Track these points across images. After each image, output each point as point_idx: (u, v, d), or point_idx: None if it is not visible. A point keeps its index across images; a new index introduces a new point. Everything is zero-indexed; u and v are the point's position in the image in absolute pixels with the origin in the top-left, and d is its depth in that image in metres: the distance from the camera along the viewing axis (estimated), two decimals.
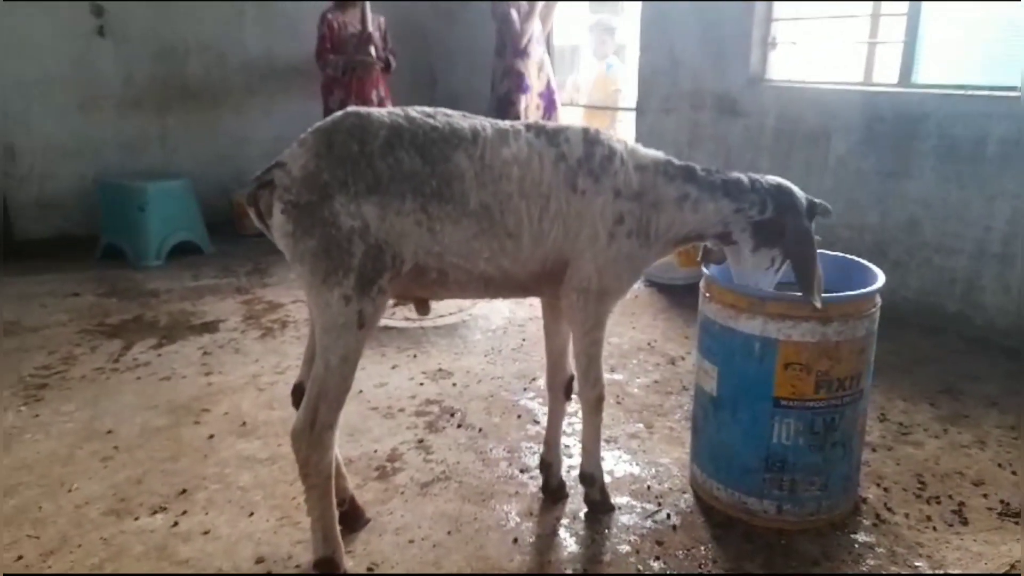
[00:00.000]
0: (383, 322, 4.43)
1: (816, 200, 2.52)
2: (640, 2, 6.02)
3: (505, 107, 5.73)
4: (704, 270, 2.70)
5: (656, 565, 2.47)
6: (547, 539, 2.61)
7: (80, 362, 4.16)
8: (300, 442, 2.20)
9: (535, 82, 5.80)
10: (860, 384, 2.53)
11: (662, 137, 5.87)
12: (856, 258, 2.78)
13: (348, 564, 2.45)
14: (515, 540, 2.59)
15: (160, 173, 6.22)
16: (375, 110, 2.23)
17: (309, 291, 2.17)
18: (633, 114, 6.25)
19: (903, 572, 2.40)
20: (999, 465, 3.03)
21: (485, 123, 2.32)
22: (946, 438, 3.26)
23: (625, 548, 2.55)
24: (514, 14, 5.64)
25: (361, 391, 3.76)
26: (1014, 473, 2.97)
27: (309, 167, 2.10)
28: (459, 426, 3.41)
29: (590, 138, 2.40)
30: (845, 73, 5.20)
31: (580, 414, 2.75)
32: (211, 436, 3.32)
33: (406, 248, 2.17)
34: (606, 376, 3.88)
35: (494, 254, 2.29)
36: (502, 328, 4.61)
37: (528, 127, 2.37)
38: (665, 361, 4.12)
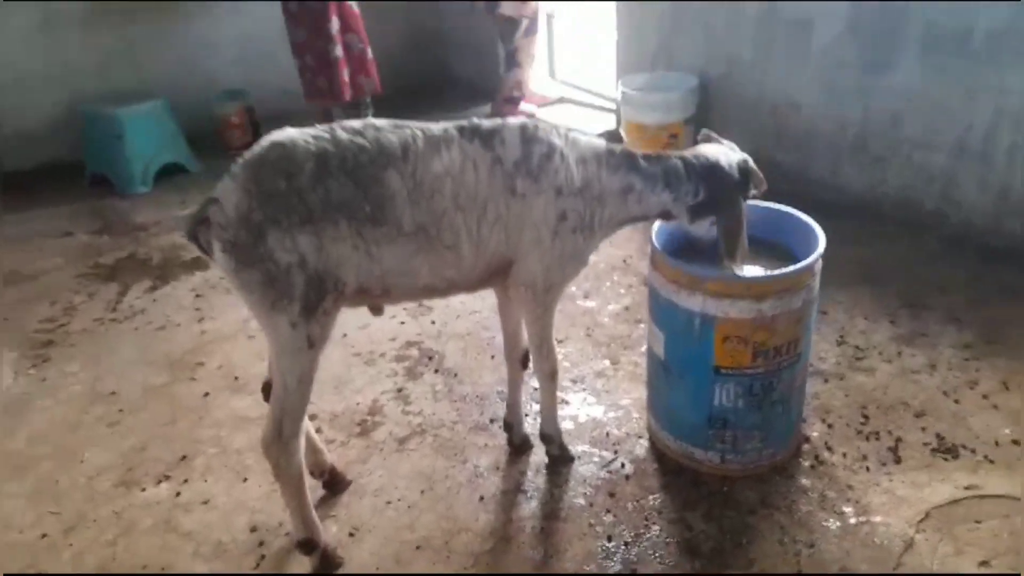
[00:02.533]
0: None
1: (748, 168, 2.53)
2: None
3: None
4: (652, 238, 2.74)
5: (608, 518, 2.72)
6: (510, 496, 2.86)
7: (80, 312, 4.37)
8: (270, 451, 2.39)
9: None
10: (798, 348, 2.64)
11: (643, 25, 5.61)
12: (799, 213, 2.77)
13: (332, 529, 2.74)
14: (481, 498, 2.85)
15: (134, 95, 6.08)
16: (300, 137, 2.19)
17: (258, 316, 2.28)
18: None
19: (829, 519, 2.63)
20: (944, 393, 3.17)
21: (417, 132, 2.29)
22: (899, 362, 3.39)
23: (580, 501, 2.80)
24: None
25: (345, 335, 3.94)
26: (956, 402, 3.12)
27: (242, 208, 2.12)
28: (436, 371, 3.61)
29: (527, 137, 2.37)
30: None
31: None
32: (206, 394, 3.57)
33: (346, 272, 2.24)
34: (579, 303, 4.09)
35: (434, 268, 2.36)
36: None
37: (462, 131, 2.34)
38: (638, 281, 4.23)
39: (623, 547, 2.60)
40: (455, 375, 3.57)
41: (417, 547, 2.66)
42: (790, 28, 4.75)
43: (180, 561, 2.68)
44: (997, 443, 2.89)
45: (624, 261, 4.46)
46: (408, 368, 3.65)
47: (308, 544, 2.53)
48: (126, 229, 5.41)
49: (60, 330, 4.20)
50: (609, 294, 4.15)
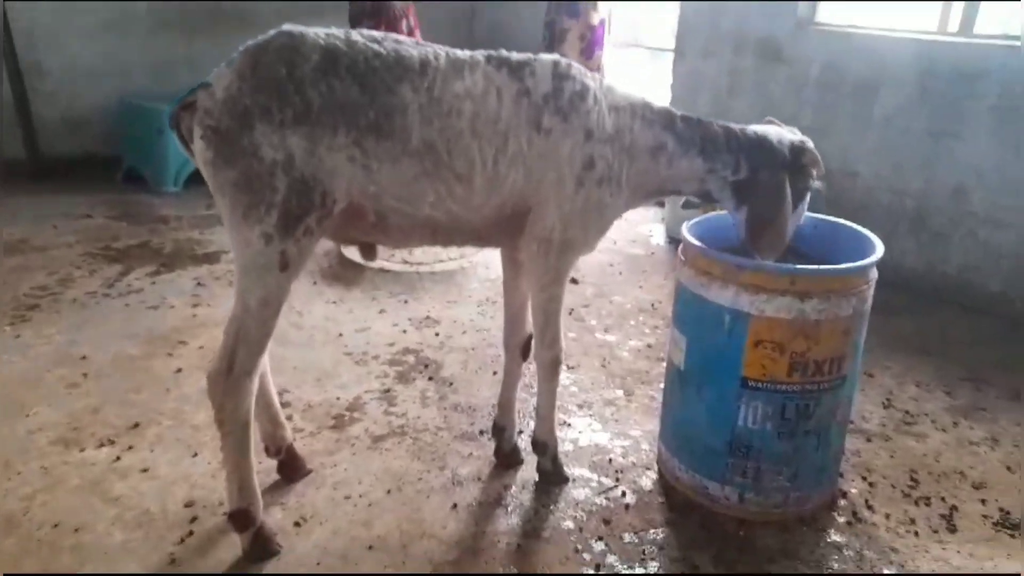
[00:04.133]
0: (379, 264, 4.30)
1: (801, 147, 2.21)
2: None
3: (551, 33, 5.40)
4: (685, 233, 2.43)
5: (598, 546, 2.29)
6: (488, 507, 2.45)
7: (76, 285, 4.15)
8: (216, 387, 2.08)
9: (589, 10, 5.35)
10: (843, 369, 2.25)
11: (700, 83, 5.47)
12: (854, 225, 2.46)
13: (276, 515, 2.36)
14: (454, 506, 2.45)
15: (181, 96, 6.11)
16: (310, 31, 2.00)
17: (229, 226, 2.01)
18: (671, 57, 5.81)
19: None
20: (1008, 468, 2.72)
21: (439, 52, 2.09)
22: (954, 432, 2.95)
23: (568, 524, 2.38)
24: None
25: (341, 334, 3.65)
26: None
27: (232, 90, 1.91)
28: (430, 379, 3.26)
29: (560, 72, 2.15)
30: (916, 20, 4.65)
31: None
32: (179, 370, 3.27)
33: (337, 186, 1.98)
34: (597, 335, 3.73)
35: (440, 198, 2.08)
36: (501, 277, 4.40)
37: (490, 58, 2.12)
38: (664, 324, 3.87)
39: None
40: (450, 384, 3.21)
41: (370, 547, 2.26)
42: (855, 93, 4.54)
43: (97, 525, 2.32)
44: None
45: (652, 305, 4.12)
46: (401, 372, 3.31)
47: (242, 517, 2.15)
48: (146, 220, 5.27)
49: (49, 297, 3.98)
50: (632, 332, 3.80)
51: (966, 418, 3.05)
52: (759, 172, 2.19)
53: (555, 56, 2.19)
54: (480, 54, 2.12)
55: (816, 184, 2.28)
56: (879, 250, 2.25)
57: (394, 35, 2.10)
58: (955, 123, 4.09)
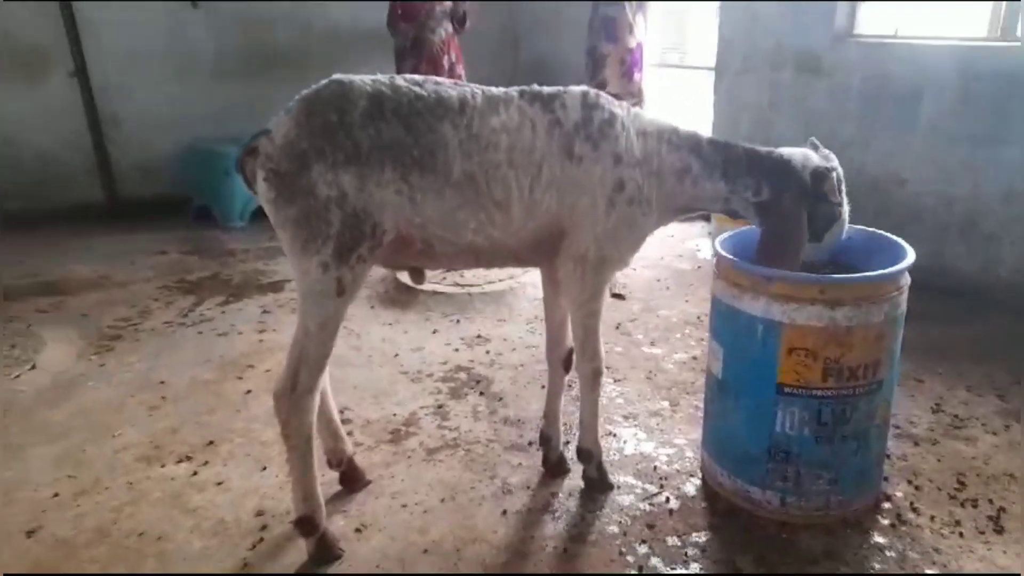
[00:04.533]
0: (432, 287, 4.49)
1: (821, 173, 2.29)
2: None
3: (592, 59, 5.59)
4: (717, 246, 2.53)
5: (642, 549, 2.38)
6: (536, 514, 2.57)
7: (154, 316, 4.46)
8: (281, 404, 2.27)
9: (626, 35, 5.52)
10: (878, 374, 2.31)
11: (740, 100, 5.54)
12: (887, 234, 2.52)
13: (339, 523, 2.53)
14: (504, 513, 2.57)
15: (246, 138, 6.48)
16: (358, 78, 2.20)
17: (291, 257, 2.21)
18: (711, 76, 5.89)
19: None
20: None
21: (476, 91, 2.26)
22: (1005, 435, 2.94)
23: (613, 529, 2.48)
24: None
25: (397, 354, 3.83)
26: None
27: (290, 136, 2.11)
28: (481, 394, 3.41)
29: (589, 103, 2.30)
30: (961, 27, 4.64)
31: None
32: (248, 392, 3.49)
33: (386, 218, 2.16)
34: (643, 349, 3.82)
35: (481, 225, 2.25)
36: None
37: (523, 93, 2.29)
38: None
39: None
40: (500, 399, 3.36)
41: (425, 551, 2.40)
42: (897, 101, 4.54)
43: (178, 534, 2.52)
44: None
45: (698, 318, 4.19)
46: (453, 389, 3.47)
47: (307, 523, 2.33)
48: (216, 254, 5.61)
49: (130, 328, 4.29)
50: (678, 344, 3.87)
51: (1018, 421, 3.03)
52: (783, 195, 2.29)
53: (584, 87, 2.34)
54: (514, 90, 2.29)
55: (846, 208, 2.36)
56: (910, 257, 2.31)
57: (434, 77, 2.29)
58: (1000, 127, 4.07)
